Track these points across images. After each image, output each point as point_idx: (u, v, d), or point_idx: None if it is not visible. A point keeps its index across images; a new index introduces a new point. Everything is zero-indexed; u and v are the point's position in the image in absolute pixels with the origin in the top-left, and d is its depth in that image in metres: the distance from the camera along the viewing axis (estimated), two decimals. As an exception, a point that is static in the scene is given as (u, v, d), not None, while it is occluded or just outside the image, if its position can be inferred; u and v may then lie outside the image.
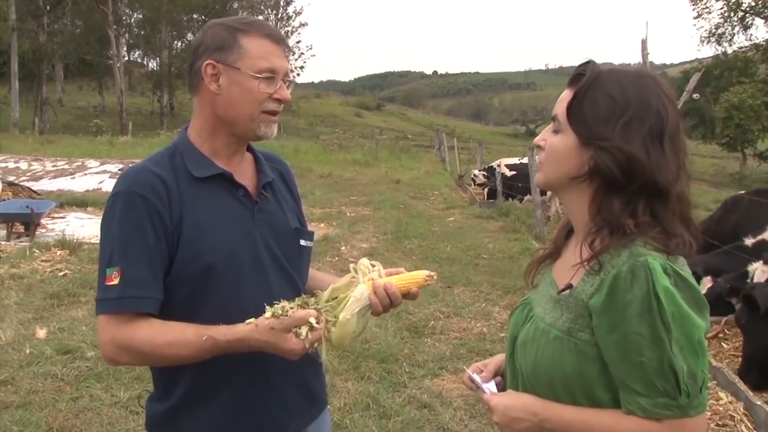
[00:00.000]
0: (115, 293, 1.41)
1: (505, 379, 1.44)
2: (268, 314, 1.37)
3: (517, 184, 13.42)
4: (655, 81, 1.24)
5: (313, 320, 1.36)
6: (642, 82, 1.23)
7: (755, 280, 4.53)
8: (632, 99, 1.20)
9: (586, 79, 1.23)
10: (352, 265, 1.53)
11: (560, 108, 1.27)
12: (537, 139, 1.33)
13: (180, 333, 1.40)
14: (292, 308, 1.37)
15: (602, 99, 1.21)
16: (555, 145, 1.27)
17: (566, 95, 1.27)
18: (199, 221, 1.48)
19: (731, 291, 4.77)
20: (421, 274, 1.50)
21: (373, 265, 1.53)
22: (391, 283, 1.47)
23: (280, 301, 1.41)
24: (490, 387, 1.41)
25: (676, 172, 1.20)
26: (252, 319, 1.38)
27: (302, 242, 1.67)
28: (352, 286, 1.47)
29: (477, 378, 1.45)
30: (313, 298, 1.46)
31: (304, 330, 1.35)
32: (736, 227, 5.63)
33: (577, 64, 1.30)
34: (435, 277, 1.51)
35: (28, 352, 4.47)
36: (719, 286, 4.94)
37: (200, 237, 1.48)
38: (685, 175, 1.23)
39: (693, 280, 1.17)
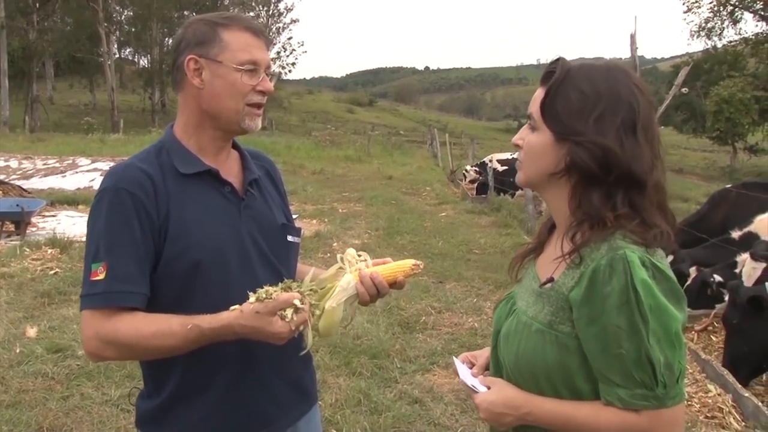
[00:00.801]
0: (101, 288, 1.41)
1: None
2: (252, 299, 1.37)
3: (509, 179, 13.42)
4: (624, 73, 1.26)
5: (297, 302, 1.36)
6: (612, 75, 1.24)
7: (743, 275, 4.55)
8: (603, 92, 1.21)
9: (557, 76, 1.25)
10: (339, 255, 1.54)
11: (534, 106, 1.28)
12: (515, 138, 1.33)
13: (164, 323, 1.40)
14: (275, 292, 1.38)
15: (574, 94, 1.22)
16: (532, 143, 1.28)
17: (539, 93, 1.28)
18: (185, 218, 1.49)
19: (720, 285, 4.81)
20: (408, 263, 1.51)
21: (360, 255, 1.54)
22: (378, 272, 1.48)
23: (263, 287, 1.41)
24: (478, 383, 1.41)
25: (651, 161, 1.22)
26: (236, 306, 1.38)
27: (289, 238, 1.68)
28: (339, 276, 1.48)
29: (460, 366, 1.45)
30: (296, 283, 1.46)
31: (289, 312, 1.35)
32: (726, 221, 5.68)
33: (568, 58, 1.31)
34: (422, 266, 1.52)
35: (18, 351, 4.46)
36: (704, 275, 4.98)
37: (187, 233, 1.48)
38: (660, 163, 1.24)
39: (671, 272, 1.18)
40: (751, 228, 5.25)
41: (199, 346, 1.41)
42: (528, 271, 1.42)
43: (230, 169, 1.62)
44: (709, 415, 3.74)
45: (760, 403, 3.67)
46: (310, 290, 1.43)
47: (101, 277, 1.41)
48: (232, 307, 1.38)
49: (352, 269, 1.50)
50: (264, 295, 1.37)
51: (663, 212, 1.24)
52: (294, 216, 1.80)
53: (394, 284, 1.51)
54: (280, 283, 1.44)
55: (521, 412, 1.25)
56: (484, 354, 1.50)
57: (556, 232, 1.36)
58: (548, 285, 1.27)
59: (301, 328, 1.38)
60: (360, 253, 1.55)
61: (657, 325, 1.13)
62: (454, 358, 1.51)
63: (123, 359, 1.56)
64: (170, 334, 1.39)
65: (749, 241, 5.07)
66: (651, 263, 1.15)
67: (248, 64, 1.50)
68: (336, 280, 1.48)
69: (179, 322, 1.39)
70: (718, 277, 4.92)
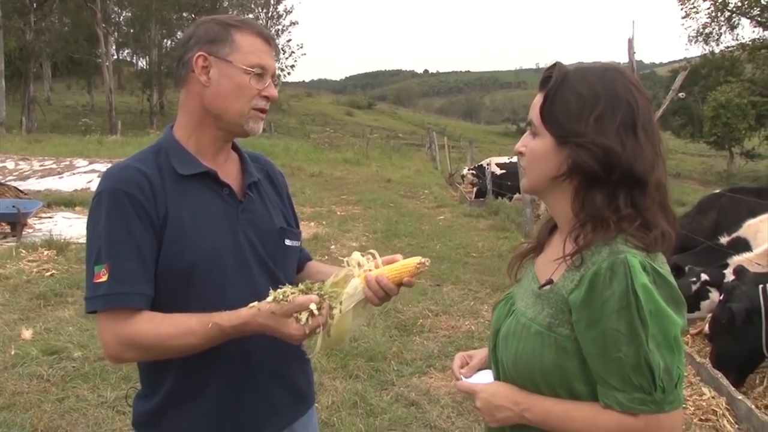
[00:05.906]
0: (104, 290, 1.41)
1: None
2: (270, 298, 1.38)
3: (507, 183, 13.46)
4: (621, 73, 1.26)
5: (314, 306, 1.36)
6: (608, 76, 1.24)
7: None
8: (601, 93, 1.22)
9: (554, 80, 1.25)
10: (346, 259, 1.53)
11: (534, 112, 1.29)
12: (518, 146, 1.34)
13: (184, 324, 1.41)
14: (293, 293, 1.38)
15: (572, 97, 1.23)
16: (534, 149, 1.29)
17: (538, 99, 1.28)
18: (182, 219, 1.49)
19: (707, 284, 4.86)
20: (413, 262, 1.49)
21: (371, 254, 1.53)
22: (383, 274, 1.47)
23: (284, 286, 1.42)
24: (483, 378, 1.41)
25: (652, 159, 1.22)
26: (255, 303, 1.39)
27: (287, 242, 1.67)
28: (347, 281, 1.47)
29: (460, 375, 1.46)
30: (317, 284, 1.46)
31: (304, 316, 1.36)
32: (716, 226, 5.69)
33: (567, 62, 1.32)
34: (428, 263, 1.49)
35: (13, 353, 4.44)
36: (691, 273, 5.00)
37: (184, 235, 1.48)
38: (661, 162, 1.24)
39: (671, 278, 1.18)
40: (740, 233, 5.26)
41: (219, 342, 1.42)
42: (527, 271, 1.41)
43: (229, 171, 1.62)
44: (703, 417, 3.75)
45: (753, 406, 3.69)
46: (331, 293, 1.43)
47: (104, 279, 1.41)
48: (251, 305, 1.40)
49: (360, 271, 1.49)
50: (281, 296, 1.38)
51: (664, 211, 1.24)
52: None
53: (401, 284, 1.49)
54: (300, 284, 1.44)
55: (520, 409, 1.25)
56: (478, 354, 1.50)
57: (557, 233, 1.36)
58: (548, 287, 1.26)
59: (317, 330, 1.38)
60: (370, 252, 1.54)
61: (656, 329, 1.13)
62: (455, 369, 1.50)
63: (143, 359, 1.57)
64: (191, 333, 1.40)
65: (738, 246, 5.08)
66: (652, 268, 1.16)
67: (257, 67, 1.51)
68: (346, 284, 1.47)
69: (198, 320, 1.40)
70: (704, 276, 4.94)
